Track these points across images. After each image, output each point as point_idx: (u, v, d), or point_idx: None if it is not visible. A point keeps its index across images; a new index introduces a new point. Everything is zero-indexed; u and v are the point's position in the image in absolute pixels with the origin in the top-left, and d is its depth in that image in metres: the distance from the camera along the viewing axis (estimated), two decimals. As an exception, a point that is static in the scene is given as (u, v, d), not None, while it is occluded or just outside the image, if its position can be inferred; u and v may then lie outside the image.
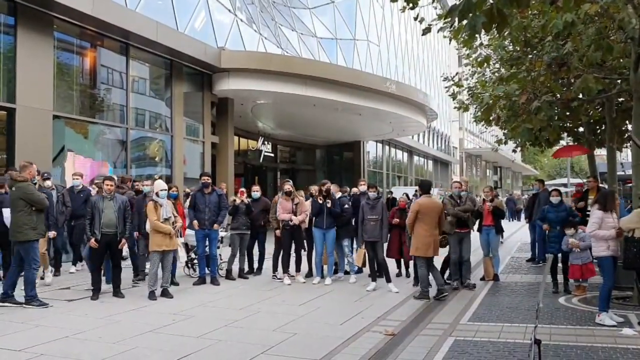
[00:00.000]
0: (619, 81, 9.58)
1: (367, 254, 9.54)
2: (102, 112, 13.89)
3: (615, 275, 7.02)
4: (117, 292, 8.34)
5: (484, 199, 10.18)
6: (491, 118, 12.68)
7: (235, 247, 10.09)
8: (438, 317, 7.23)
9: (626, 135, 13.49)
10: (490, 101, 11.08)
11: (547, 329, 6.29)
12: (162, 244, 8.32)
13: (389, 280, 9.14)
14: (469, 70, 15.13)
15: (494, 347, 5.72)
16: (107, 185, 8.37)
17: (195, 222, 9.53)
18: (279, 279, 9.82)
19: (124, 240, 8.39)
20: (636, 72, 7.55)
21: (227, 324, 6.74)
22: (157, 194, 8.49)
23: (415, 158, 41.54)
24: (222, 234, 10.29)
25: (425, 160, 44.77)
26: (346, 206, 9.86)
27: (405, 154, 39.33)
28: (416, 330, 6.49)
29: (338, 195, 10.31)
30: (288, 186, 10.03)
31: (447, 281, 9.18)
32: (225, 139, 17.80)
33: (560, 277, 8.97)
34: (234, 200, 10.22)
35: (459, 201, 9.26)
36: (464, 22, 4.33)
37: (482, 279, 9.90)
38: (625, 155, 21.67)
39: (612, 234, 6.75)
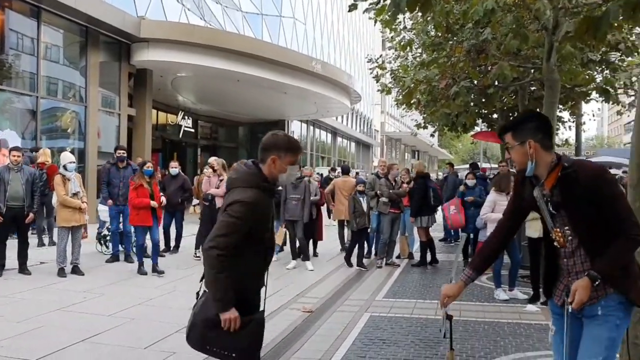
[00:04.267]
0: (532, 70, 10.02)
1: (287, 233, 9.56)
2: (10, 79, 12.98)
3: (518, 255, 7.44)
4: (23, 269, 7.90)
5: (401, 181, 10.40)
6: (412, 102, 12.97)
7: None
8: (355, 294, 7.36)
9: (536, 122, 14.17)
10: (412, 85, 11.30)
11: (458, 305, 6.54)
12: (72, 219, 7.96)
13: (306, 258, 9.22)
14: (393, 53, 15.37)
15: (407, 323, 5.90)
16: (14, 156, 7.86)
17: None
18: (198, 257, 9.64)
19: (31, 215, 7.94)
20: (548, 61, 7.90)
21: (141, 302, 6.55)
22: (64, 166, 8.06)
23: (339, 139, 41.96)
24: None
25: (349, 142, 45.34)
26: (279, 188, 9.78)
27: (329, 135, 39.63)
28: (333, 307, 6.58)
29: None
30: (213, 161, 9.84)
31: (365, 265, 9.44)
32: (142, 112, 17.16)
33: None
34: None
35: (393, 183, 9.61)
36: (389, 0, 4.33)
37: (398, 257, 10.19)
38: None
39: (498, 217, 7.07)
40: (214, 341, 2.90)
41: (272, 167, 2.99)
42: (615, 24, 4.08)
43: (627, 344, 3.50)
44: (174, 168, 10.36)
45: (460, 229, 10.15)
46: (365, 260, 9.55)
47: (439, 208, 10.23)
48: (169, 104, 22.33)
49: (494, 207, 7.18)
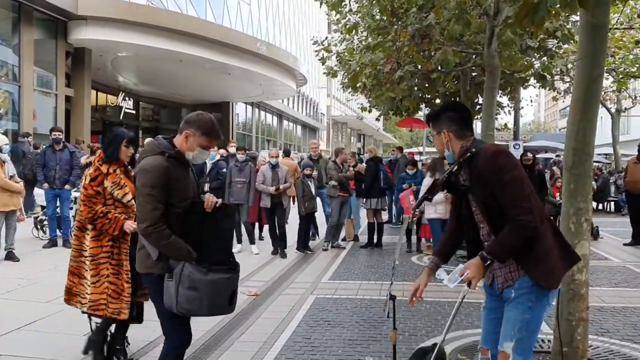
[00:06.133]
0: (474, 56, 10.23)
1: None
2: None
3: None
4: (-49, 256, 7.53)
5: (348, 165, 10.47)
6: (357, 85, 13.00)
7: None
8: (301, 276, 7.39)
9: (477, 107, 14.56)
10: (357, 68, 11.31)
11: (401, 286, 6.67)
12: (10, 204, 7.65)
13: (252, 242, 9.18)
14: (338, 36, 15.35)
15: (352, 304, 5.98)
16: None
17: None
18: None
19: None
20: (489, 47, 8.09)
21: (81, 288, 6.35)
22: (-1, 149, 7.69)
23: (285, 122, 41.80)
24: (75, 194, 9.61)
25: (295, 125, 45.23)
26: (223, 170, 9.66)
27: (275, 118, 39.41)
28: (279, 290, 6.59)
29: (217, 157, 10.09)
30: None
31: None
32: (81, 92, 16.57)
33: (414, 238, 9.57)
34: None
35: (342, 167, 9.79)
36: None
37: (344, 239, 10.29)
38: (475, 126, 23.46)
39: (440, 198, 7.38)
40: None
41: (184, 141, 3.03)
42: (553, 12, 4.20)
43: (557, 320, 3.68)
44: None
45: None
46: (310, 243, 9.60)
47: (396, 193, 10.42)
48: (109, 85, 21.67)
49: None
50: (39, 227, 9.60)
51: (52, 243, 8.91)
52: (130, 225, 3.97)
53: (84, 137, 15.62)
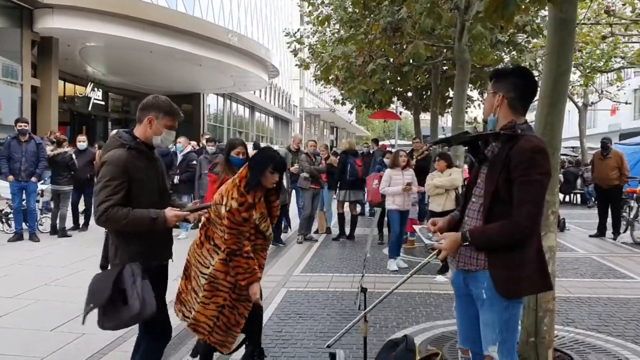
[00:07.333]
0: (444, 49, 10.30)
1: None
2: None
3: (397, 226, 7.62)
4: None
5: (321, 158, 10.48)
6: (330, 78, 13.00)
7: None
8: (272, 269, 7.37)
9: (448, 101, 14.70)
10: (330, 61, 11.31)
11: (373, 278, 6.73)
12: None
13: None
14: (311, 28, 15.32)
15: (324, 296, 5.99)
16: None
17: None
18: (109, 234, 9.29)
19: None
20: (460, 41, 8.17)
21: (47, 283, 6.25)
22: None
23: (257, 114, 41.56)
24: (42, 186, 9.42)
25: (267, 117, 45.02)
26: (193, 162, 9.60)
27: (247, 110, 39.16)
28: (250, 283, 6.55)
29: (188, 149, 10.02)
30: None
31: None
32: (48, 82, 16.21)
33: (386, 230, 9.62)
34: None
35: (314, 159, 9.76)
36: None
37: (316, 231, 10.31)
38: (446, 120, 23.68)
39: (398, 190, 7.53)
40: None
41: (148, 127, 2.98)
42: (523, 6, 4.25)
43: (524, 310, 3.74)
44: (82, 142, 9.93)
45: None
46: (283, 236, 9.59)
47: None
48: (77, 75, 21.24)
49: (390, 182, 7.61)
50: (3, 220, 9.38)
51: (18, 236, 8.72)
52: (255, 292, 3.50)
53: (51, 128, 15.27)
